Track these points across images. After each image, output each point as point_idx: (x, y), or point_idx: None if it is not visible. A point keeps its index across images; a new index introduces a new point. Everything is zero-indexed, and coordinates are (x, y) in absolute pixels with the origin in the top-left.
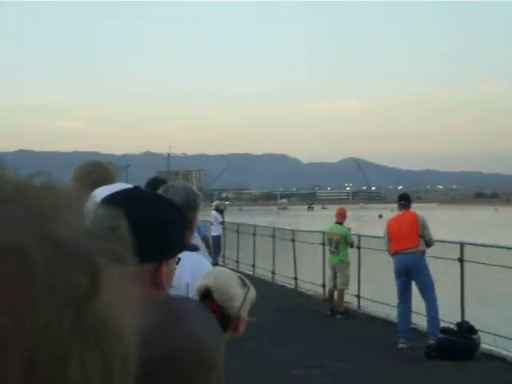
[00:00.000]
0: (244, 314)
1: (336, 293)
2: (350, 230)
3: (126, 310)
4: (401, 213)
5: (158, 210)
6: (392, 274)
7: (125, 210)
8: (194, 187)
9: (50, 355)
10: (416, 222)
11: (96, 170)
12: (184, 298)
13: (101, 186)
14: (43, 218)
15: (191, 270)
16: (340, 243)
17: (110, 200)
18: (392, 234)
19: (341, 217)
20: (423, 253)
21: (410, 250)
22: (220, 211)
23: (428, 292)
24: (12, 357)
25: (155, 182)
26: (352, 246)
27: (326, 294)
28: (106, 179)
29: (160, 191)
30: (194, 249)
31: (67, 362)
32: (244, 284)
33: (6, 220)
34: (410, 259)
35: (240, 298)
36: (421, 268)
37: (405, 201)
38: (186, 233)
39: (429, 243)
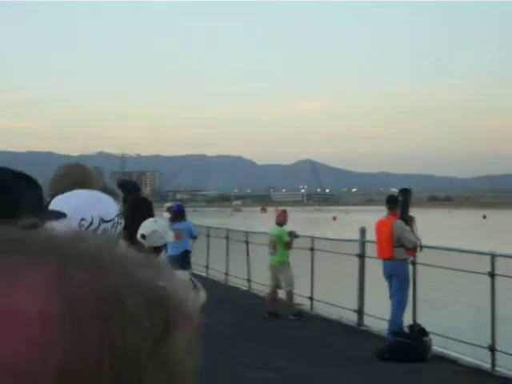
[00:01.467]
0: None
1: (285, 295)
2: (292, 232)
3: (189, 351)
4: (387, 216)
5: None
6: (344, 277)
7: None
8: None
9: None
10: (391, 233)
11: (72, 171)
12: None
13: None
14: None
15: None
16: (276, 244)
17: None
18: (377, 238)
19: (278, 218)
20: (403, 259)
21: (387, 259)
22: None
23: (395, 296)
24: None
25: (123, 184)
26: (289, 248)
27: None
28: (82, 182)
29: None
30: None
31: None
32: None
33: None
34: (388, 267)
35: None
36: (397, 275)
37: (389, 204)
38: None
39: (410, 246)
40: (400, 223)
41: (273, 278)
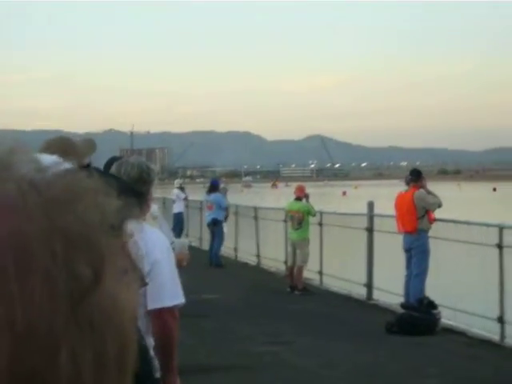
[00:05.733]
0: None
1: (295, 269)
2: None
3: (127, 304)
4: (408, 189)
5: None
6: (353, 251)
7: None
8: (148, 162)
9: (40, 346)
10: (413, 204)
11: (52, 145)
12: None
13: None
14: (55, 206)
15: (145, 243)
16: (302, 220)
17: None
18: (396, 212)
19: (300, 192)
20: (425, 231)
21: (409, 232)
22: (182, 189)
23: (416, 267)
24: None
25: (112, 162)
26: (314, 215)
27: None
28: (64, 155)
29: (113, 167)
30: None
31: (57, 353)
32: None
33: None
34: (409, 241)
35: None
36: (417, 247)
37: (412, 176)
38: (143, 206)
39: (435, 208)
40: (421, 192)
41: (292, 253)
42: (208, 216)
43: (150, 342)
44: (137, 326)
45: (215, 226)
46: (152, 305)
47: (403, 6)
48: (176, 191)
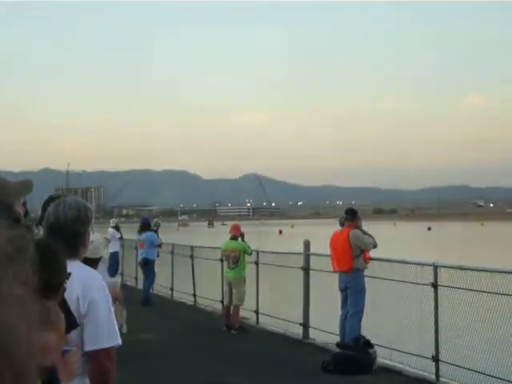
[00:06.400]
0: None
1: (232, 308)
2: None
3: (25, 338)
4: (344, 228)
5: None
6: (290, 289)
7: None
8: (86, 202)
9: None
10: (348, 243)
11: None
12: None
13: None
14: None
15: (81, 283)
16: (239, 259)
17: None
18: (331, 252)
19: (236, 231)
20: (360, 270)
21: (345, 272)
22: (117, 228)
23: (352, 307)
24: None
25: (50, 201)
26: (250, 254)
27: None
28: None
29: (51, 207)
30: None
31: None
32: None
33: None
34: (345, 280)
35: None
36: (353, 286)
37: (347, 215)
38: (80, 246)
39: (370, 248)
40: (356, 231)
41: (229, 292)
42: (140, 255)
43: (86, 383)
44: (39, 363)
45: (146, 265)
46: (89, 346)
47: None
48: (111, 230)
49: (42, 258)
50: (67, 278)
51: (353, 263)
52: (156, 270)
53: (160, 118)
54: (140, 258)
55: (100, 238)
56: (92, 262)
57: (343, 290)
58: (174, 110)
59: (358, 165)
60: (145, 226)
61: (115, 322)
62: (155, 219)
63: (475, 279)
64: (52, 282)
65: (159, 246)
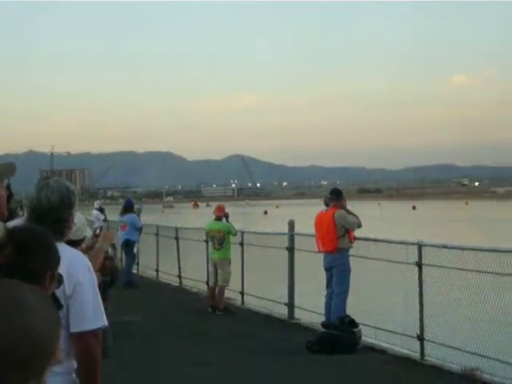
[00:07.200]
0: None
1: (217, 289)
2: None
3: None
4: (328, 208)
5: None
6: (275, 270)
7: None
8: (70, 184)
9: None
10: (333, 223)
11: None
12: (17, 282)
13: None
14: None
15: (66, 265)
16: (224, 240)
17: None
18: (316, 232)
19: (220, 211)
20: (345, 250)
21: (329, 252)
22: (101, 210)
23: (337, 287)
24: None
25: None
26: (235, 235)
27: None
28: None
29: (34, 191)
30: None
31: None
32: None
33: None
34: (329, 260)
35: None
36: (338, 266)
37: (332, 195)
38: (65, 230)
39: (355, 227)
40: (341, 211)
41: (214, 273)
42: (121, 237)
43: (73, 364)
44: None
45: (127, 246)
46: (75, 327)
47: (315, 28)
48: (95, 212)
49: (26, 243)
50: (57, 263)
51: (338, 243)
52: (135, 251)
53: (146, 99)
54: (121, 240)
55: (82, 219)
56: (75, 243)
57: (328, 269)
58: (159, 91)
59: (343, 145)
60: (128, 208)
61: (101, 302)
62: (136, 206)
63: (459, 258)
64: (36, 267)
65: (140, 229)
